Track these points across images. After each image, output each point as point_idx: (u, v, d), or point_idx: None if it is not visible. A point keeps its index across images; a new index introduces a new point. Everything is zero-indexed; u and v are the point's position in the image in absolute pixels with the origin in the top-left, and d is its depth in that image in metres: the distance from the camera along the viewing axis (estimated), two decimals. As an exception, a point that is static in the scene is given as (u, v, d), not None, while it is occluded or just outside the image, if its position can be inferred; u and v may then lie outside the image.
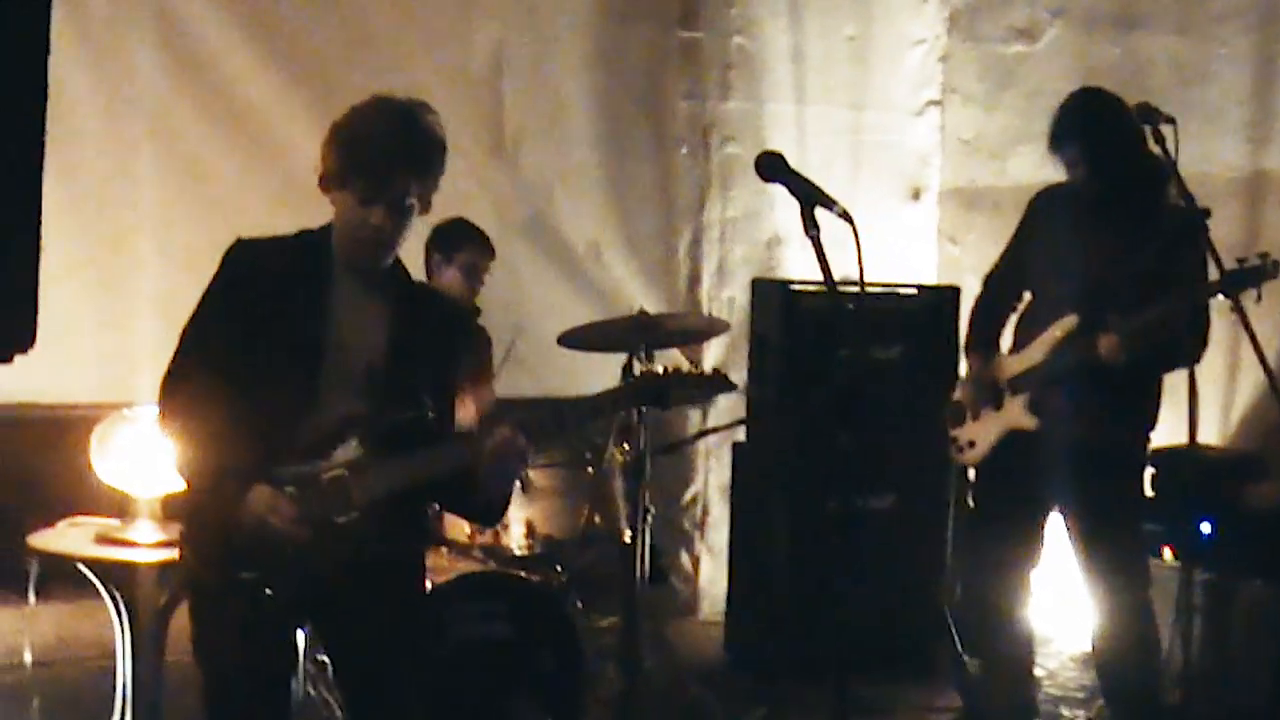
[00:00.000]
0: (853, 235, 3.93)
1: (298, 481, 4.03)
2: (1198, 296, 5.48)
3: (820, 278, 3.98)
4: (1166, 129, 5.38)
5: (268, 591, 4.00)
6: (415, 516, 4.45)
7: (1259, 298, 5.38)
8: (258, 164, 6.94)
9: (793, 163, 4.12)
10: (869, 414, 7.12)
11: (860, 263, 3.92)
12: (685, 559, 8.36)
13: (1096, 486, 5.75)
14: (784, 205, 7.78)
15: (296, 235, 4.24)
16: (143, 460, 5.45)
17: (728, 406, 7.80)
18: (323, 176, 4.17)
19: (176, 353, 4.14)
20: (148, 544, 5.45)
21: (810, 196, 4.04)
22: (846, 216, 3.97)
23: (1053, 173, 5.92)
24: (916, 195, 8.94)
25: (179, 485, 4.21)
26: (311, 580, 4.05)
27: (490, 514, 4.66)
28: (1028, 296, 6.11)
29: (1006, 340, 6.18)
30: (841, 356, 6.83)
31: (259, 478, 3.99)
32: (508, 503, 4.51)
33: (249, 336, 4.07)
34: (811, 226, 3.98)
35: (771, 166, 4.17)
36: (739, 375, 7.82)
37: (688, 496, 8.35)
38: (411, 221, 4.18)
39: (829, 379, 7.01)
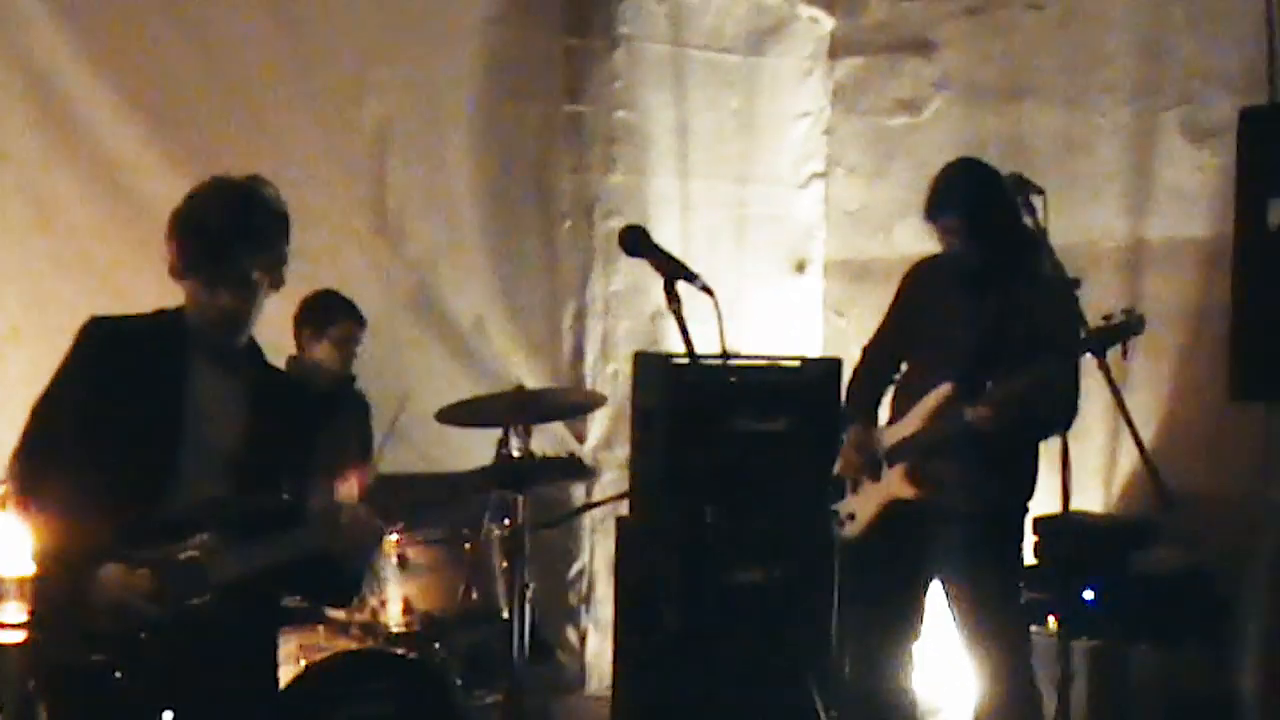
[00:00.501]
0: (715, 309, 3.94)
1: (152, 563, 3.97)
2: (1066, 356, 5.50)
3: (692, 350, 4.00)
4: (1037, 199, 5.41)
5: (119, 675, 3.95)
6: (270, 599, 4.41)
7: (1125, 354, 5.40)
8: (139, 242, 6.80)
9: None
10: (754, 487, 7.14)
11: (723, 335, 3.93)
12: (572, 634, 8.30)
13: (976, 555, 5.76)
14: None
15: (153, 315, 4.21)
16: (5, 540, 5.36)
17: (612, 480, 7.79)
18: (170, 266, 4.15)
19: (28, 431, 4.10)
20: (12, 625, 5.36)
21: (672, 270, 4.05)
22: (708, 290, 3.98)
23: (938, 245, 5.95)
24: (802, 268, 8.96)
25: (32, 567, 4.15)
26: (166, 663, 3.99)
27: (343, 595, 4.63)
28: (906, 366, 6.14)
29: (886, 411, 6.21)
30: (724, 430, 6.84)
31: (112, 559, 3.93)
32: (360, 584, 4.48)
33: (105, 417, 4.03)
34: (673, 300, 4.00)
35: (634, 241, 4.18)
36: (623, 449, 7.82)
37: (574, 571, 8.30)
38: (261, 299, 4.17)
39: (711, 452, 6.99)
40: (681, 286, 4.06)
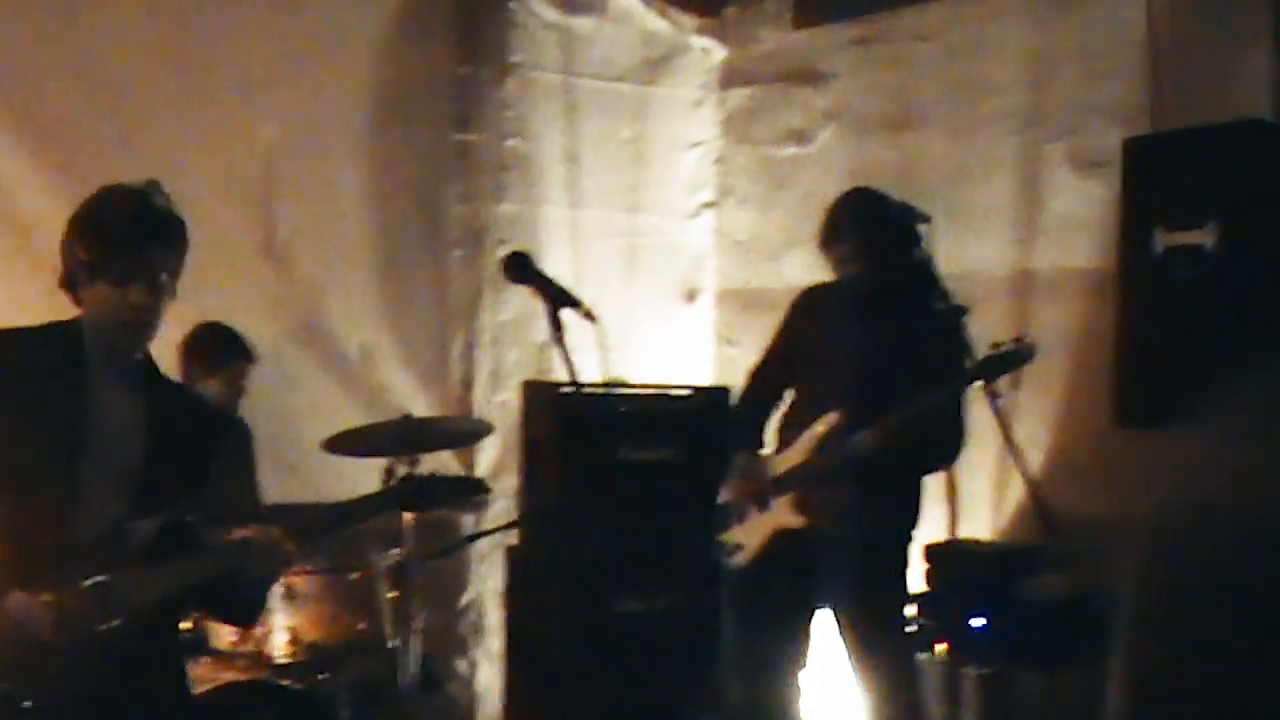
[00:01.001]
0: (599, 337, 3.93)
1: (57, 588, 3.89)
2: (955, 385, 5.52)
3: (576, 377, 3.99)
4: (924, 228, 5.44)
5: (26, 704, 3.87)
6: (176, 621, 4.35)
7: (1017, 383, 5.44)
8: (16, 260, 6.71)
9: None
10: (642, 516, 7.13)
11: (606, 363, 3.93)
12: (462, 664, 8.23)
13: (864, 583, 5.77)
14: (558, 307, 7.76)
15: (46, 327, 4.13)
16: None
17: (501, 509, 7.74)
18: (68, 273, 4.08)
19: None
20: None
21: (555, 297, 4.05)
22: (590, 317, 3.98)
23: (829, 274, 5.96)
24: (692, 297, 8.97)
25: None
26: (74, 690, 3.91)
27: (248, 615, 4.58)
28: (793, 393, 6.14)
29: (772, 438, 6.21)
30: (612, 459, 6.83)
31: (15, 584, 3.86)
32: (264, 605, 4.45)
33: (3, 436, 3.95)
34: (557, 327, 3.99)
35: (517, 267, 4.18)
36: (512, 479, 7.78)
37: (463, 601, 8.23)
38: (167, 301, 4.10)
39: (599, 482, 6.99)
40: (567, 314, 4.06)
